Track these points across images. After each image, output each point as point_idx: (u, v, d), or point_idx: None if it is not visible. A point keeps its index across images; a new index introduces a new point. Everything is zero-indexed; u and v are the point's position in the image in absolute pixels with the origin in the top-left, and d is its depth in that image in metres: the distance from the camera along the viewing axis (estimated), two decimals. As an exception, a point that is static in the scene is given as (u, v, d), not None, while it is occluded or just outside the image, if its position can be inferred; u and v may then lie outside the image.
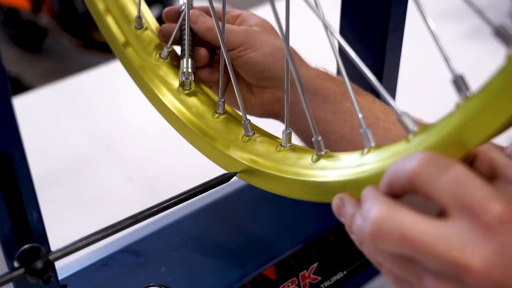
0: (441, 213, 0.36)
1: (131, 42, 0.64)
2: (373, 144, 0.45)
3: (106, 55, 2.29)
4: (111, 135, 1.03)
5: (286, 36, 0.49)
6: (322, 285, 0.66)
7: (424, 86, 1.12)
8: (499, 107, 0.35)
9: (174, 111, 0.61)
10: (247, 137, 0.57)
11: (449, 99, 0.47)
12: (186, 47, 0.61)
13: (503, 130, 0.36)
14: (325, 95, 0.60)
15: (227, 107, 0.61)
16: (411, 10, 0.64)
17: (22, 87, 2.20)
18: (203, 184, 0.56)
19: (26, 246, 0.47)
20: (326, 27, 0.47)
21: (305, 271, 0.65)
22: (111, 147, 1.00)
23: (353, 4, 0.67)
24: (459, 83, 0.38)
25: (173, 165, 0.95)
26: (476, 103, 0.36)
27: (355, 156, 0.46)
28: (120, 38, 0.64)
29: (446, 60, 0.39)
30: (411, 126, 0.41)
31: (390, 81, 0.70)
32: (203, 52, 0.63)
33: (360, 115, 0.46)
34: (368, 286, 0.72)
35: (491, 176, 0.39)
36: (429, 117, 0.40)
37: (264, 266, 0.64)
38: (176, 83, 0.62)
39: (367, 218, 0.37)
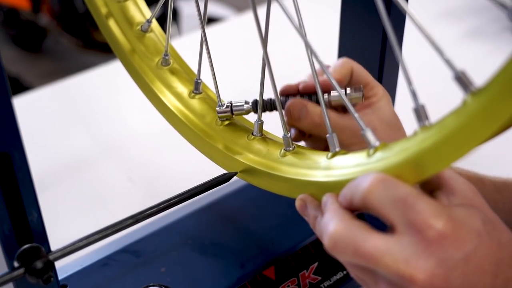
0: (390, 229, 0.39)
1: (113, 12, 0.63)
2: (337, 149, 0.48)
3: (106, 55, 2.29)
4: (111, 135, 1.03)
5: (265, 40, 0.49)
6: (322, 285, 0.66)
7: (424, 86, 1.11)
8: (453, 146, 0.37)
9: (154, 88, 0.61)
10: (221, 122, 0.58)
11: (449, 99, 0.47)
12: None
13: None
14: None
15: (204, 87, 0.61)
16: (411, 10, 0.63)
17: (22, 87, 2.20)
18: (203, 184, 0.56)
19: (26, 246, 0.47)
20: (307, 46, 0.48)
21: (305, 271, 0.65)
22: (111, 147, 1.00)
23: (353, 3, 0.67)
24: (420, 112, 0.40)
25: (173, 165, 0.95)
26: (432, 137, 0.38)
27: (322, 157, 0.49)
28: (103, 9, 0.63)
29: (412, 91, 0.40)
30: (373, 141, 0.43)
31: (390, 81, 0.70)
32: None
33: (327, 121, 0.48)
34: (368, 286, 0.72)
35: (438, 185, 0.42)
36: (429, 117, 0.41)
37: (264, 266, 0.64)
38: (155, 59, 0.62)
39: (325, 231, 0.41)
